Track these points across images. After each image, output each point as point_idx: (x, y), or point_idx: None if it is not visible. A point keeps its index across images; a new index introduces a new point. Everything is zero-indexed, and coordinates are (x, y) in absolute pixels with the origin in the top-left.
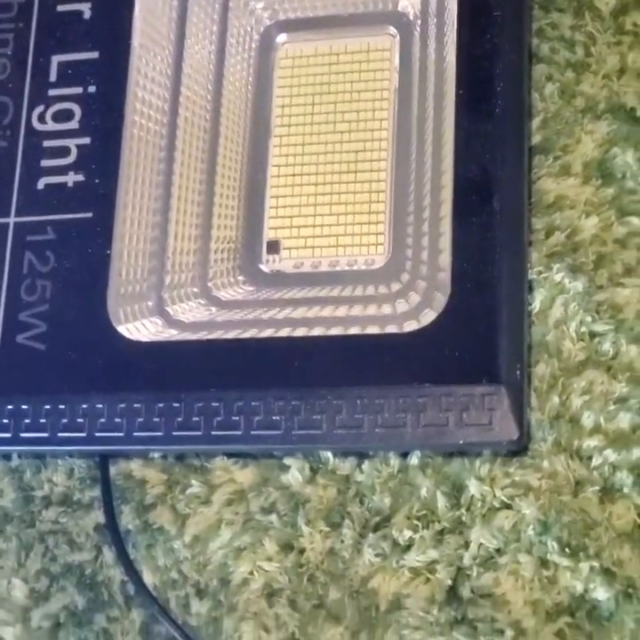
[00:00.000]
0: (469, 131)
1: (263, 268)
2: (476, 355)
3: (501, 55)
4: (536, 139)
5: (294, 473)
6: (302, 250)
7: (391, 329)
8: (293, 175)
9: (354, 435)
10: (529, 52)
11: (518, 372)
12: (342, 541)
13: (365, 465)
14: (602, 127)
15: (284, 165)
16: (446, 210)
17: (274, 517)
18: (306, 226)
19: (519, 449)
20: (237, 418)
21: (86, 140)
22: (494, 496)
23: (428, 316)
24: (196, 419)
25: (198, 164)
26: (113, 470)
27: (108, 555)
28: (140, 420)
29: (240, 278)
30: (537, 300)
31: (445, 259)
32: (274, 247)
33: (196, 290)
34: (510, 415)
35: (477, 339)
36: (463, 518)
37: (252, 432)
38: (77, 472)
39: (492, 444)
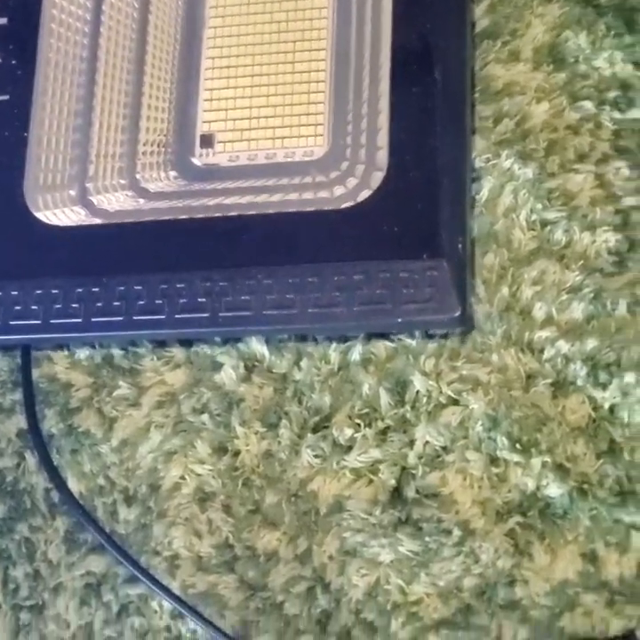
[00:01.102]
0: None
1: (196, 161)
2: (415, 229)
3: None
4: (483, 23)
5: (228, 371)
6: (238, 143)
7: (326, 208)
8: (228, 67)
9: (285, 316)
10: None
11: (460, 246)
12: (279, 443)
13: (304, 362)
14: (553, 10)
15: (218, 57)
16: (385, 85)
17: (206, 418)
18: (242, 118)
19: (462, 328)
20: (161, 301)
21: (3, 20)
22: (440, 391)
23: (365, 195)
24: (117, 303)
25: (125, 52)
26: (36, 373)
27: (31, 461)
28: (58, 306)
29: (171, 173)
30: (485, 189)
31: (383, 136)
32: (207, 140)
33: (123, 181)
34: (452, 290)
35: (416, 213)
36: (408, 415)
37: (177, 316)
38: None
39: (433, 321)
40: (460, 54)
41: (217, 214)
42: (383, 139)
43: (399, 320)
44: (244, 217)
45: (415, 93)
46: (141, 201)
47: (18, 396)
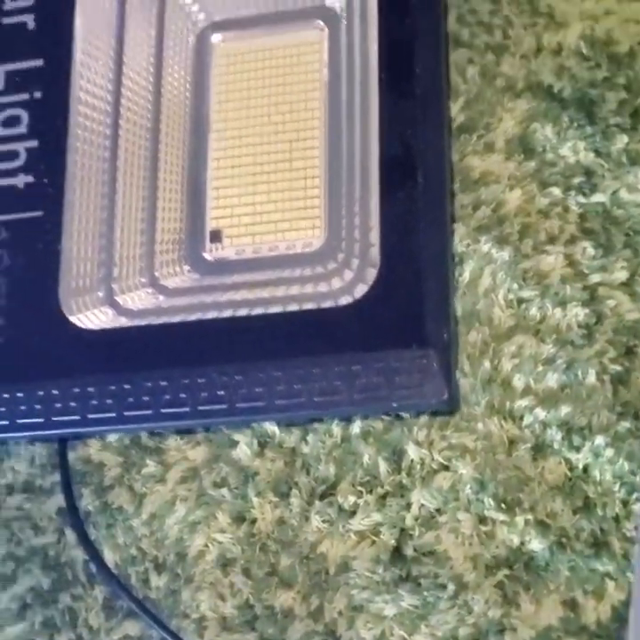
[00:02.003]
0: (392, 111)
1: (207, 256)
2: (405, 322)
3: (419, 40)
4: (460, 119)
5: (243, 448)
6: (243, 237)
7: (327, 304)
8: (232, 167)
9: (293, 404)
10: (446, 36)
11: (445, 336)
12: (291, 510)
13: (310, 437)
14: (521, 105)
15: (223, 158)
16: (374, 188)
17: (225, 491)
18: (246, 214)
19: (450, 408)
20: (185, 395)
21: (34, 144)
22: (432, 459)
23: (361, 290)
24: (146, 398)
25: (141, 160)
26: (71, 455)
27: (70, 536)
28: (94, 402)
29: (185, 267)
30: (466, 272)
31: (375, 235)
32: (216, 236)
33: (143, 280)
34: (439, 376)
35: (405, 307)
36: (404, 482)
37: (199, 408)
38: (38, 459)
39: (424, 405)
40: (440, 154)
41: (229, 311)
42: (375, 236)
43: (394, 404)
44: (254, 316)
45: (401, 195)
46: (161, 298)
47: (56, 477)
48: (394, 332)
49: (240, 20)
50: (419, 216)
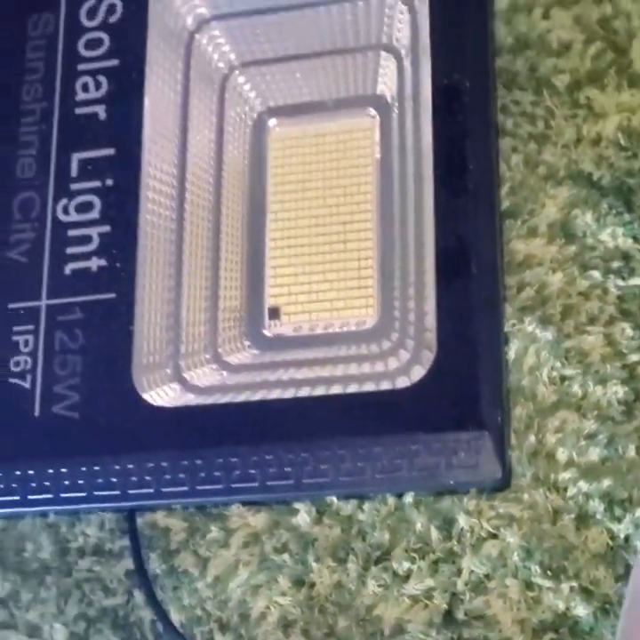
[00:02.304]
0: (447, 206)
1: (266, 332)
2: (462, 405)
3: (472, 136)
4: (505, 205)
5: (303, 515)
6: (300, 314)
7: (385, 385)
8: (289, 247)
9: (357, 480)
10: (495, 128)
11: (499, 419)
12: (348, 575)
13: (366, 505)
14: (563, 192)
15: (280, 238)
16: (430, 277)
17: (286, 556)
18: (302, 292)
19: (503, 486)
20: (254, 471)
21: (107, 228)
22: (482, 527)
23: (418, 372)
24: (217, 473)
25: (204, 241)
26: (139, 521)
27: (139, 597)
28: (167, 476)
29: (246, 343)
30: (512, 350)
31: (430, 320)
32: (274, 313)
33: (208, 356)
34: (494, 457)
35: (462, 391)
36: (455, 548)
37: (268, 483)
38: (108, 524)
39: (479, 483)
40: (492, 245)
41: (292, 390)
42: (430, 321)
43: (451, 482)
44: (316, 397)
45: (456, 285)
46: (225, 373)
47: (125, 541)
48: (451, 414)
49: (295, 105)
50: (473, 305)
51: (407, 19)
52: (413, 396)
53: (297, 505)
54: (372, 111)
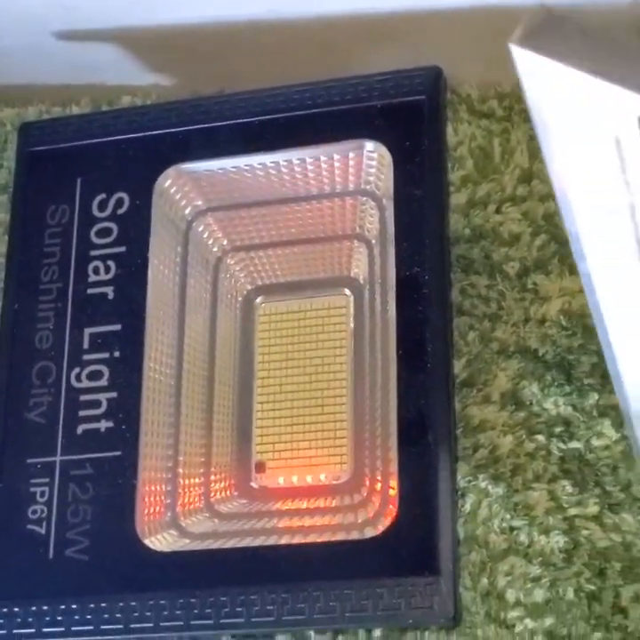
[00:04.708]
0: (408, 381)
1: (253, 484)
2: (420, 554)
3: (430, 322)
4: (463, 375)
5: None
6: (283, 469)
7: (354, 535)
8: (274, 410)
9: (330, 618)
10: (451, 311)
11: (451, 566)
12: None
13: (340, 638)
14: (513, 365)
15: (266, 402)
16: (393, 441)
17: None
18: (285, 449)
19: (455, 624)
20: (240, 608)
21: (114, 394)
22: None
23: (383, 524)
24: (208, 610)
25: (199, 405)
26: None
27: None
28: (165, 613)
29: (235, 493)
30: (468, 503)
31: (394, 480)
32: (260, 467)
33: (201, 505)
34: (447, 599)
35: (420, 541)
36: None
37: (252, 619)
38: None
39: (434, 621)
40: (447, 419)
41: (274, 538)
42: (394, 481)
43: (410, 621)
44: (296, 545)
45: (415, 450)
46: (216, 521)
47: None
48: (410, 561)
49: (279, 285)
50: (430, 468)
51: (377, 214)
52: (378, 546)
53: (279, 638)
54: (347, 291)
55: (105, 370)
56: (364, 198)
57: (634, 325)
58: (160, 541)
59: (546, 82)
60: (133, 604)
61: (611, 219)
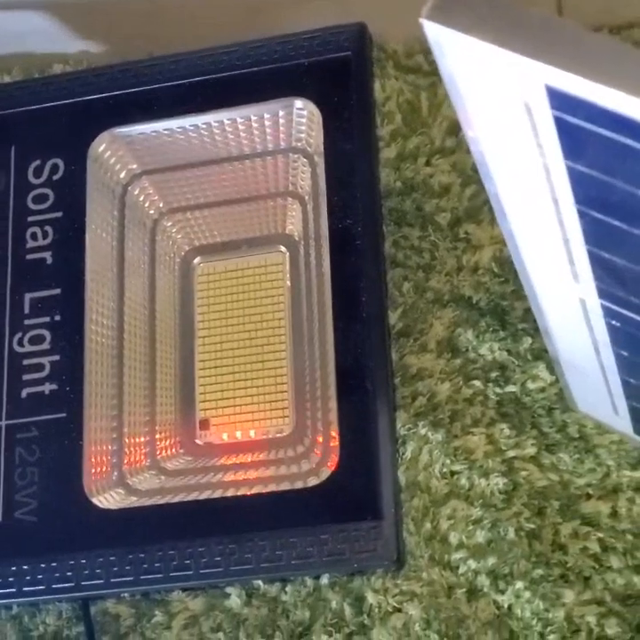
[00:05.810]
0: (344, 331)
1: (198, 441)
2: (362, 500)
3: (364, 273)
4: (399, 326)
5: (234, 598)
6: (227, 425)
7: (298, 485)
8: (215, 367)
9: (276, 566)
10: (384, 260)
11: (393, 510)
12: None
13: (288, 587)
14: (448, 313)
15: (207, 360)
16: (332, 391)
17: (221, 635)
18: (228, 406)
19: (399, 567)
20: (189, 561)
21: (56, 357)
22: (387, 603)
23: (325, 473)
24: (158, 564)
25: (142, 365)
26: (93, 609)
27: None
28: (115, 569)
29: (180, 451)
30: (408, 451)
31: (334, 428)
32: (204, 424)
33: (147, 463)
34: (390, 542)
35: (361, 487)
36: (366, 622)
37: (201, 571)
38: (65, 613)
39: (378, 564)
40: (384, 365)
41: (220, 491)
42: (334, 429)
43: (355, 565)
44: (240, 496)
45: (354, 398)
46: (162, 478)
47: (80, 628)
48: (353, 508)
49: (216, 244)
50: (369, 416)
51: (308, 170)
52: (321, 494)
53: (229, 589)
54: (283, 248)
55: (46, 334)
56: (296, 155)
57: (555, 280)
58: (108, 500)
59: (456, 54)
60: (83, 562)
61: (527, 180)
